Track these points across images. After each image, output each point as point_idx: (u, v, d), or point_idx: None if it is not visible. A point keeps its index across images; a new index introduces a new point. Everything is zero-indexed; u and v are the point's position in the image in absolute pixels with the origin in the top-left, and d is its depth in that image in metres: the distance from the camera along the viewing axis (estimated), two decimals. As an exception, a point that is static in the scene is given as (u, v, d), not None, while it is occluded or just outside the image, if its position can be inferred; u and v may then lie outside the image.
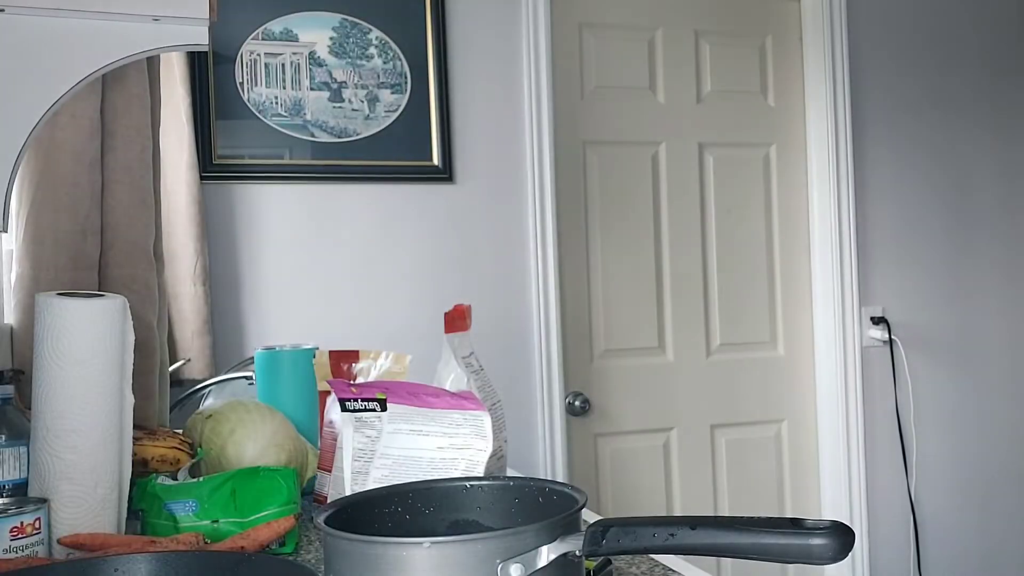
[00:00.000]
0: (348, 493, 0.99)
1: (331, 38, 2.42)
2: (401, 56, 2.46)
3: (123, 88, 1.68)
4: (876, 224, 2.91)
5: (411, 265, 2.45)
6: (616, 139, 2.73)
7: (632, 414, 2.71)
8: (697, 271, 2.80)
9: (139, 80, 1.72)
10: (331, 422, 1.16)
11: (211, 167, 2.29)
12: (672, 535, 0.63)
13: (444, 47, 2.49)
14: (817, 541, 0.59)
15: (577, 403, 2.61)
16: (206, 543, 0.97)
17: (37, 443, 0.99)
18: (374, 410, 1.03)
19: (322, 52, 2.41)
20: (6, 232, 1.49)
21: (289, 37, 2.39)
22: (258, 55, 2.36)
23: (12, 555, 0.90)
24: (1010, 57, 3.09)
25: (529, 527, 0.65)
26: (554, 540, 0.65)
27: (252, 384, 1.78)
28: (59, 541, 0.96)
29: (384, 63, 2.45)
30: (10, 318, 1.58)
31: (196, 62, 2.25)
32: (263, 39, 2.37)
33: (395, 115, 2.45)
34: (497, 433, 1.05)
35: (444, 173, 2.47)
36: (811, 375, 2.92)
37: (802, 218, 2.92)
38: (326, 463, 1.17)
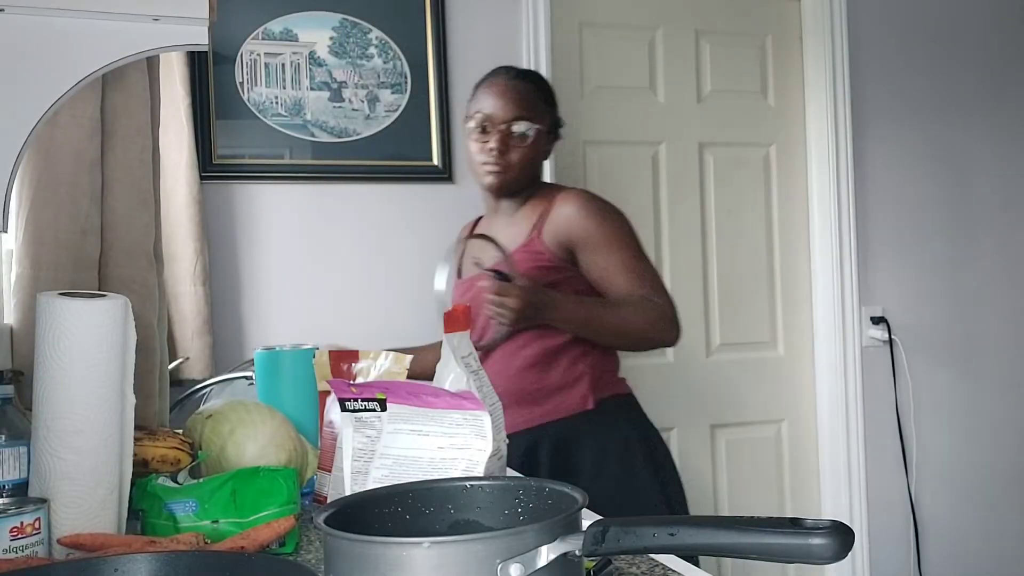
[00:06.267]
0: (348, 493, 0.99)
1: (331, 38, 2.41)
2: (401, 56, 2.46)
3: (123, 88, 1.68)
4: (876, 224, 2.90)
5: (411, 265, 2.45)
6: (616, 139, 2.73)
7: (632, 414, 2.71)
8: (697, 271, 2.80)
9: (139, 80, 1.72)
10: (331, 422, 1.15)
11: (211, 167, 2.29)
12: (672, 535, 0.63)
13: (444, 47, 2.49)
14: (817, 541, 0.59)
15: (577, 403, 2.61)
16: (206, 543, 0.97)
17: (37, 443, 0.99)
18: (374, 410, 1.03)
19: (322, 52, 2.41)
20: (6, 232, 1.48)
21: (289, 37, 2.39)
22: (258, 55, 2.36)
23: (12, 555, 0.90)
24: (1010, 56, 3.09)
25: (529, 527, 0.65)
26: (554, 540, 0.65)
27: (252, 384, 1.78)
28: (59, 541, 0.96)
29: (384, 63, 2.45)
30: (10, 318, 1.57)
31: (196, 62, 2.25)
32: (263, 39, 2.37)
33: (395, 115, 2.45)
34: (496, 433, 1.05)
35: (444, 173, 2.47)
36: (811, 375, 2.92)
37: (802, 218, 2.92)
38: (326, 463, 1.17)
